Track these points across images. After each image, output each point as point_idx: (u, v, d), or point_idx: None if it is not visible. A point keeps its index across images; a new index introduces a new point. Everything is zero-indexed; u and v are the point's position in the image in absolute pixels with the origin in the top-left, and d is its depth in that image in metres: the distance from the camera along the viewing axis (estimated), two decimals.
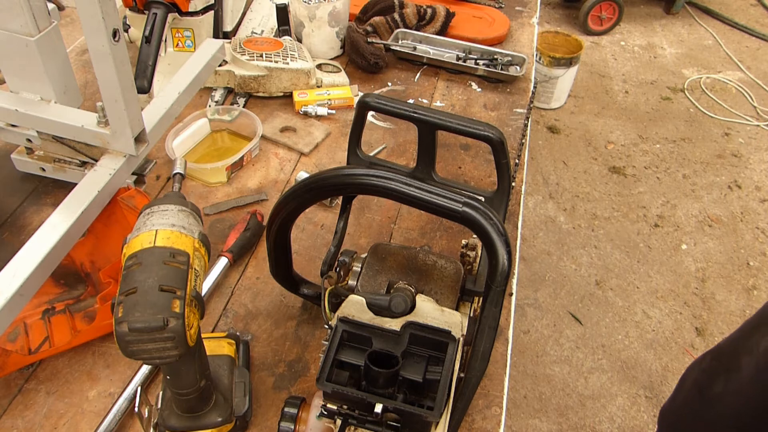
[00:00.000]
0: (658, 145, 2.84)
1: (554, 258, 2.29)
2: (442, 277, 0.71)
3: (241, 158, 1.05)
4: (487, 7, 1.52)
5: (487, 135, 0.81)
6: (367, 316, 0.66)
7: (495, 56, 1.35)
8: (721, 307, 2.14)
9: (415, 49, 1.35)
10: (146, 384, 0.77)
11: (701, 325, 2.08)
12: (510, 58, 1.34)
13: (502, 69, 1.31)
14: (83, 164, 0.97)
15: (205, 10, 1.21)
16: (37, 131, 0.93)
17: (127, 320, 0.51)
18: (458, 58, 1.35)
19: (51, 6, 0.87)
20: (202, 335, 0.62)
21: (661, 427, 1.35)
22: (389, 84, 1.31)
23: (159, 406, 0.68)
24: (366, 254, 0.74)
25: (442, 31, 1.41)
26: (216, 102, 1.21)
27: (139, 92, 0.88)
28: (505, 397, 0.78)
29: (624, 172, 2.68)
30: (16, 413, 0.74)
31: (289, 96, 1.24)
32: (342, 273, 0.75)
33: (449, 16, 1.41)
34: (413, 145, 1.00)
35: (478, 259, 0.81)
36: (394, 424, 0.62)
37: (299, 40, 1.34)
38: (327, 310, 0.70)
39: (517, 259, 1.03)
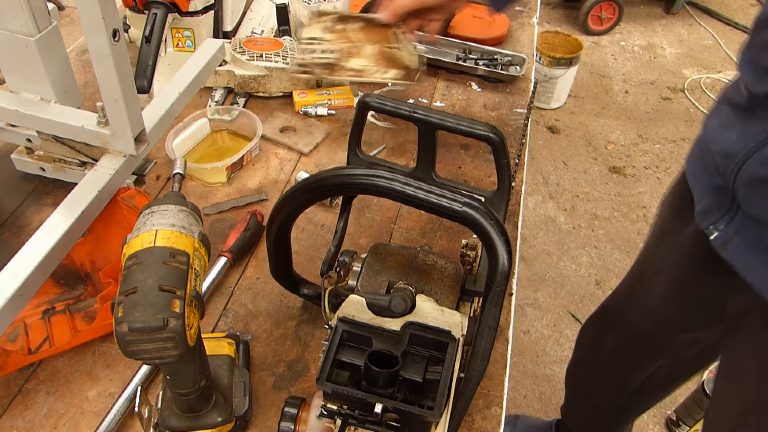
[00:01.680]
0: (658, 145, 2.84)
1: (554, 258, 2.29)
2: (442, 277, 0.71)
3: (241, 158, 1.05)
4: (487, 7, 1.52)
5: (487, 135, 0.81)
6: (367, 316, 0.66)
7: (495, 56, 1.35)
8: None
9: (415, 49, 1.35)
10: (146, 384, 0.77)
11: None
12: (510, 58, 1.34)
13: (502, 69, 1.31)
14: (83, 164, 0.97)
15: (205, 10, 1.21)
16: (37, 131, 0.93)
17: (127, 320, 0.51)
18: (458, 58, 1.35)
19: (51, 6, 0.87)
20: (202, 335, 0.62)
21: (567, 386, 1.43)
22: (389, 84, 1.31)
23: (159, 406, 0.68)
24: (366, 254, 0.74)
25: (442, 31, 1.41)
26: (216, 102, 1.21)
27: (139, 92, 0.88)
28: (505, 397, 0.78)
29: (624, 172, 2.68)
30: (16, 413, 0.74)
31: (289, 96, 1.24)
32: (342, 273, 0.75)
33: (449, 16, 1.41)
34: (413, 145, 1.00)
35: (478, 259, 0.81)
36: (394, 424, 0.62)
37: (299, 40, 1.34)
38: (327, 310, 0.70)
39: (517, 259, 1.03)
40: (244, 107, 1.19)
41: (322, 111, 1.19)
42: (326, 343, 0.65)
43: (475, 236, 0.64)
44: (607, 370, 1.28)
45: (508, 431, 1.63)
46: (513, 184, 1.01)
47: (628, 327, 1.17)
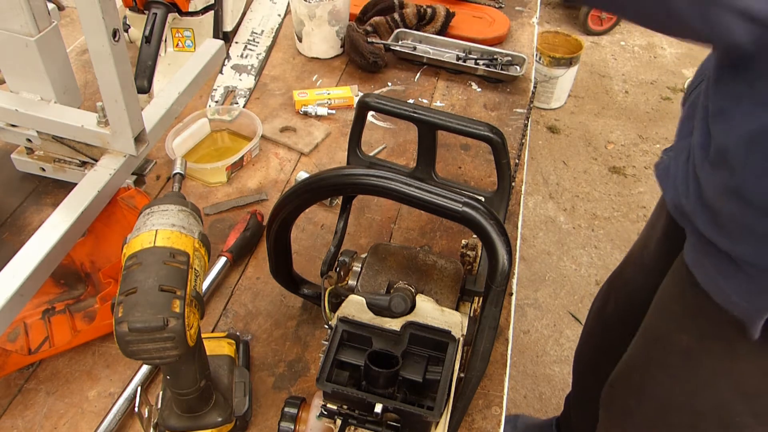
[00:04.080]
0: (658, 145, 2.84)
1: (554, 258, 2.29)
2: (442, 277, 0.71)
3: (241, 158, 1.05)
4: (487, 7, 1.52)
5: (487, 135, 0.81)
6: (367, 316, 0.66)
7: (495, 56, 1.35)
8: None
9: (415, 49, 1.35)
10: (146, 384, 0.77)
11: None
12: (510, 58, 1.34)
13: (502, 69, 1.31)
14: (83, 164, 0.97)
15: (205, 10, 1.21)
16: (37, 131, 0.93)
17: (127, 320, 0.51)
18: (458, 58, 1.35)
19: (51, 6, 0.87)
20: (202, 335, 0.62)
21: (573, 369, 1.44)
22: (389, 84, 1.31)
23: (159, 406, 0.68)
24: (366, 254, 0.74)
25: (442, 31, 1.41)
26: (216, 102, 1.21)
27: (139, 92, 0.88)
28: (505, 397, 0.78)
29: (624, 172, 2.68)
30: (16, 413, 0.74)
31: (289, 96, 1.24)
32: (342, 273, 0.75)
33: (449, 16, 1.41)
34: (413, 145, 1.00)
35: (478, 259, 0.81)
36: (394, 424, 0.62)
37: (299, 39, 1.35)
38: (327, 310, 0.70)
39: (517, 259, 1.03)
40: (244, 107, 1.19)
41: (322, 111, 1.19)
42: (326, 343, 0.65)
43: (475, 236, 0.64)
44: (609, 338, 1.27)
45: (508, 430, 1.63)
46: (513, 184, 1.01)
47: (627, 286, 1.18)
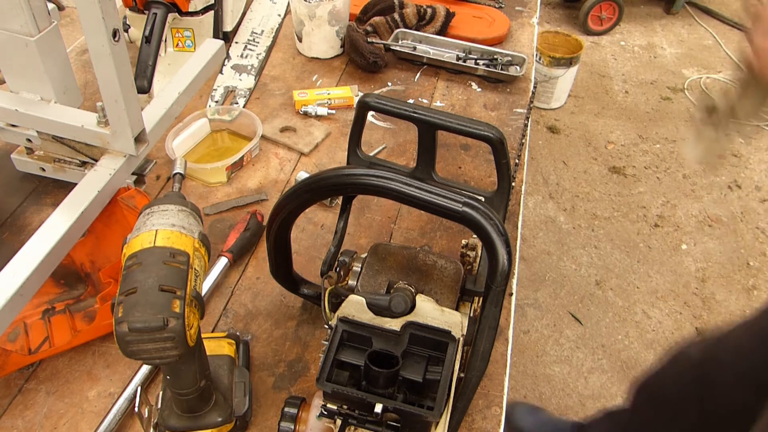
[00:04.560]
0: (658, 145, 2.84)
1: (554, 258, 2.29)
2: (442, 277, 0.71)
3: (241, 158, 1.05)
4: (487, 7, 1.52)
5: (487, 135, 0.81)
6: (367, 316, 0.66)
7: (495, 56, 1.35)
8: (721, 307, 2.14)
9: (415, 49, 1.35)
10: (146, 384, 0.77)
11: (701, 325, 2.08)
12: (510, 58, 1.34)
13: (502, 69, 1.31)
14: (83, 164, 0.97)
15: (205, 10, 1.21)
16: (37, 131, 0.93)
17: (127, 320, 0.51)
18: (458, 58, 1.35)
19: (51, 6, 0.87)
20: (202, 335, 0.62)
21: (640, 398, 1.33)
22: (389, 84, 1.31)
23: (159, 406, 0.68)
24: (366, 254, 0.74)
25: (442, 31, 1.41)
26: (216, 102, 1.21)
27: (139, 92, 0.88)
28: (505, 397, 0.78)
29: (624, 172, 2.68)
30: (16, 413, 0.74)
31: (289, 96, 1.24)
32: (342, 273, 0.75)
33: (449, 16, 1.41)
34: (413, 145, 1.00)
35: (478, 259, 0.81)
36: (394, 424, 0.62)
37: (299, 39, 1.35)
38: (327, 310, 0.70)
39: (517, 259, 1.03)
40: (244, 107, 1.19)
41: (322, 111, 1.19)
42: (326, 343, 0.65)
43: (475, 236, 0.64)
44: (685, 389, 1.15)
45: (528, 420, 1.55)
46: (513, 184, 1.01)
47: (742, 357, 1.03)
